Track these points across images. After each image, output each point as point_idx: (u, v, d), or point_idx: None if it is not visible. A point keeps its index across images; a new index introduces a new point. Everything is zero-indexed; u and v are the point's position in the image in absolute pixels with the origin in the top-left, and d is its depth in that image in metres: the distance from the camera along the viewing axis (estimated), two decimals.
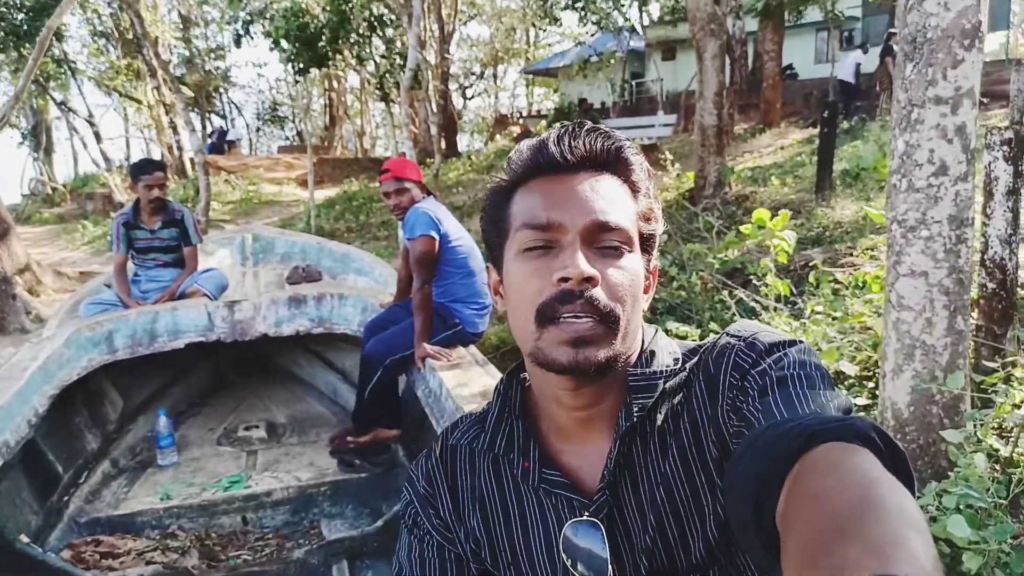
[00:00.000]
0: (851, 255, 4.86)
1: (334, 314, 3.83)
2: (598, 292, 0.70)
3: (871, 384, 2.97)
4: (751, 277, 4.52)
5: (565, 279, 0.69)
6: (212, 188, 12.53)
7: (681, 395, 0.76)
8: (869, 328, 3.32)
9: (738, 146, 12.57)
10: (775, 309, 3.94)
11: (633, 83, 22.54)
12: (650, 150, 12.15)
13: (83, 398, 3.52)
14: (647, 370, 0.76)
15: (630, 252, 0.74)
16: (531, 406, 0.84)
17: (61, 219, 18.09)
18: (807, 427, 0.57)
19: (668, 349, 0.80)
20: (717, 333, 0.81)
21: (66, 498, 2.98)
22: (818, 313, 3.66)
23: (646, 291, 0.78)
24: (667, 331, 3.69)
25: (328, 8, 10.17)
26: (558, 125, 0.78)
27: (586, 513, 0.76)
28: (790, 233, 4.04)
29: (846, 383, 3.04)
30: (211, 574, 2.59)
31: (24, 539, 2.50)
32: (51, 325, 3.79)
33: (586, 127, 0.76)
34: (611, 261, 0.73)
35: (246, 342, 3.78)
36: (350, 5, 10.19)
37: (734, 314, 4.10)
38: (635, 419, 0.74)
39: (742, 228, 4.32)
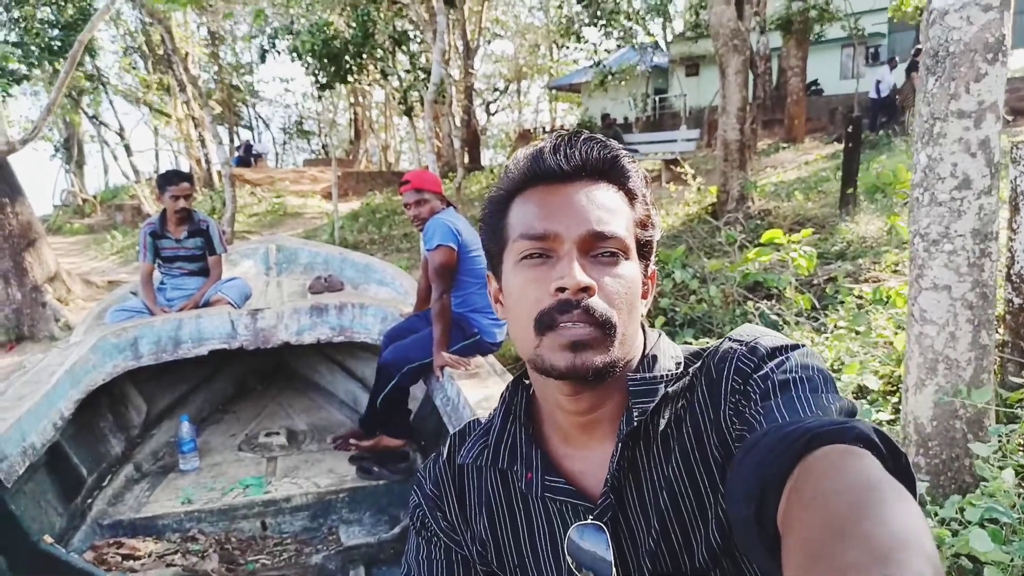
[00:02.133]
0: (875, 270, 4.82)
1: (355, 323, 3.87)
2: (595, 301, 0.71)
3: (894, 399, 2.94)
4: (773, 291, 4.50)
5: (562, 289, 0.70)
6: (238, 200, 12.70)
7: (684, 399, 0.77)
8: (892, 343, 3.29)
9: (761, 161, 12.52)
10: (797, 323, 3.91)
11: (656, 98, 22.56)
12: (673, 164, 12.13)
13: (108, 403, 3.58)
14: (647, 375, 0.76)
15: (627, 259, 0.75)
16: (535, 411, 0.85)
17: (91, 230, 18.41)
18: (808, 430, 0.57)
19: (670, 353, 0.80)
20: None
21: (90, 500, 3.03)
22: (841, 328, 3.63)
23: (644, 296, 0.79)
24: (687, 344, 3.68)
25: (353, 24, 10.30)
26: (555, 134, 0.79)
27: (590, 517, 0.76)
28: (808, 248, 4.02)
29: (869, 397, 3.01)
30: None
31: (48, 539, 2.54)
32: (78, 331, 3.86)
33: (582, 136, 0.77)
34: (608, 269, 0.74)
35: (268, 350, 3.83)
36: (374, 21, 10.31)
37: None
38: (636, 423, 0.74)
39: (750, 253, 4.30)
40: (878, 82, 13.63)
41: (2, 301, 7.54)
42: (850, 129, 7.24)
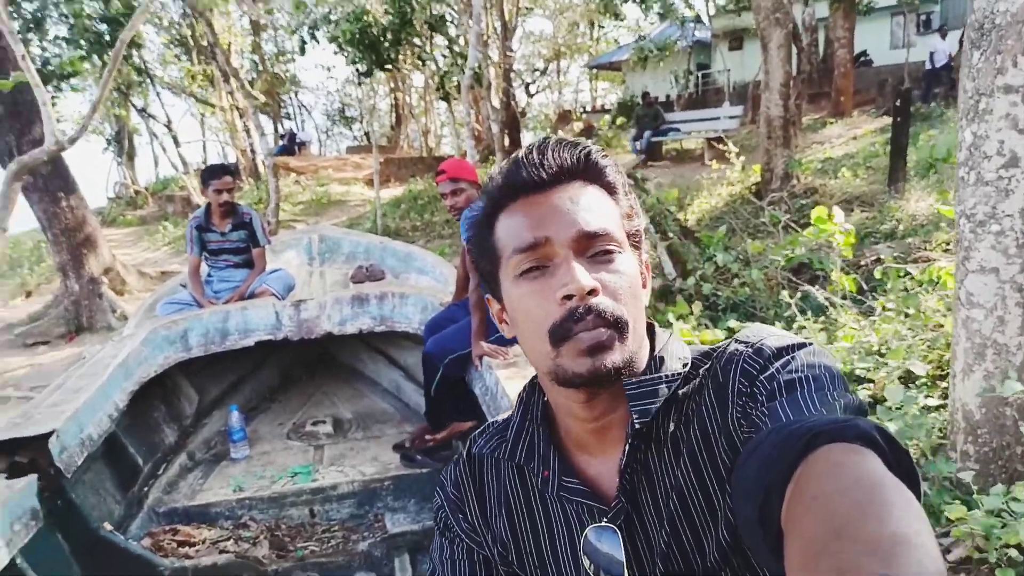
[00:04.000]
0: (926, 249, 4.68)
1: (396, 313, 3.91)
2: (602, 300, 0.71)
3: (944, 384, 2.87)
4: (818, 273, 4.41)
5: (568, 296, 0.71)
6: (283, 189, 12.90)
7: (692, 402, 0.77)
8: (942, 325, 3.20)
9: (807, 137, 12.20)
10: (842, 306, 3.83)
11: (699, 74, 22.10)
12: (716, 142, 11.92)
13: (160, 394, 3.70)
14: (645, 377, 0.76)
15: (621, 253, 0.75)
16: (551, 414, 0.85)
17: (143, 221, 18.86)
18: (810, 428, 0.57)
19: (678, 355, 0.80)
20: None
21: (146, 489, 3.15)
22: (889, 310, 3.54)
23: (643, 286, 0.79)
24: (730, 330, 3.63)
25: (390, 10, 10.32)
26: (525, 145, 0.79)
27: (604, 519, 0.77)
28: (847, 225, 3.93)
29: (917, 383, 2.94)
30: (280, 564, 2.69)
31: (107, 527, 2.66)
32: (130, 324, 3.99)
33: (551, 141, 0.77)
34: (606, 266, 0.74)
35: (312, 340, 3.90)
36: (412, 6, 10.31)
37: (801, 310, 4.00)
38: (639, 425, 0.74)
39: (805, 233, 4.22)
40: (932, 53, 13.18)
41: (61, 294, 7.83)
42: (899, 102, 7.01)
